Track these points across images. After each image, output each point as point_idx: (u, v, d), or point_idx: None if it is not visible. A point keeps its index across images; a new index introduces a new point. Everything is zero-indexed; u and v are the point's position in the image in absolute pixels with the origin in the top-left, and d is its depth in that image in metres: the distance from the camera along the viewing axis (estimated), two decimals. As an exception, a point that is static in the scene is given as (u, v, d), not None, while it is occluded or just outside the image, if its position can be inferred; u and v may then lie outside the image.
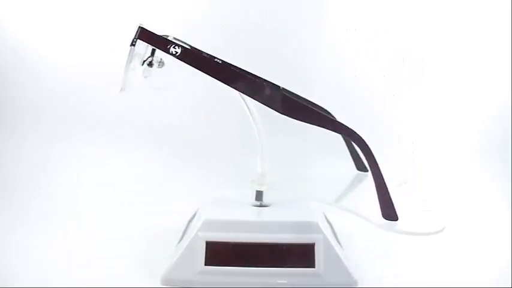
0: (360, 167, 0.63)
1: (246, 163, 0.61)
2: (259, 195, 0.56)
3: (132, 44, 0.51)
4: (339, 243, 0.56)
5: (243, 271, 0.50)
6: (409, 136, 0.94)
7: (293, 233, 0.51)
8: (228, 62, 0.57)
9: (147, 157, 0.92)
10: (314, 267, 0.50)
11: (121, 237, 0.63)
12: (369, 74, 0.94)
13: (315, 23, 0.96)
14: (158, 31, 0.55)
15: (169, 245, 0.57)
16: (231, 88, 0.51)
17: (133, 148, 0.94)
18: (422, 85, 0.95)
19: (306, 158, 0.90)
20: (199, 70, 0.50)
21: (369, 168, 0.50)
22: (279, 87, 0.59)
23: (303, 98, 0.60)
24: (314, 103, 0.60)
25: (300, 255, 0.51)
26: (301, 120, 0.50)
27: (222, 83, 0.51)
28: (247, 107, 0.53)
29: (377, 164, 0.49)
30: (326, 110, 0.60)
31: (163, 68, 0.52)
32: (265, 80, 0.59)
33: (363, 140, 0.49)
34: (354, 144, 0.62)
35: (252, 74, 0.57)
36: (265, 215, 0.55)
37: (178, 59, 0.50)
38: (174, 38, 0.56)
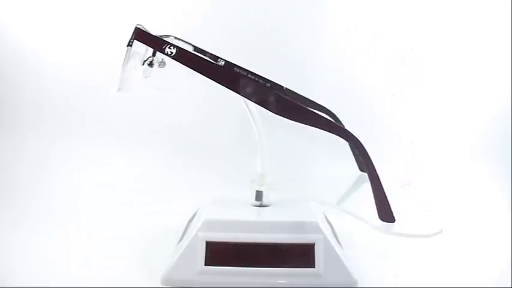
0: (363, 167, 0.63)
1: (246, 163, 0.61)
2: (259, 195, 0.56)
3: (129, 45, 0.51)
4: (339, 243, 0.56)
5: (243, 271, 0.50)
6: (409, 136, 0.94)
7: (293, 233, 0.51)
8: (231, 61, 0.57)
9: (147, 157, 0.93)
10: (314, 267, 0.50)
11: (121, 237, 0.63)
12: (369, 74, 0.94)
13: (315, 23, 0.96)
14: (158, 31, 0.55)
15: (169, 245, 0.57)
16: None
17: (133, 148, 0.94)
18: (422, 85, 0.95)
19: (307, 158, 0.91)
20: (194, 70, 0.50)
21: (365, 169, 0.50)
22: (282, 87, 0.60)
23: (306, 98, 0.60)
24: (318, 104, 0.60)
25: (300, 255, 0.51)
26: (295, 120, 0.49)
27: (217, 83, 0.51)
28: (247, 107, 0.53)
29: (373, 166, 0.49)
30: (330, 111, 0.60)
31: (165, 68, 0.52)
32: (268, 80, 0.59)
33: (359, 141, 0.49)
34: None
35: (253, 73, 0.57)
36: (265, 215, 0.55)
37: (174, 59, 0.50)
38: (175, 38, 0.56)
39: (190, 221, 0.60)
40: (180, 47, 0.51)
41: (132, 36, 0.51)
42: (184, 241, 0.53)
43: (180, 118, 0.96)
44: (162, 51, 0.50)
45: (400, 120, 0.97)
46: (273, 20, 0.94)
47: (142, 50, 0.52)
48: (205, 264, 0.50)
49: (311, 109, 0.52)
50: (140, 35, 0.51)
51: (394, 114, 0.97)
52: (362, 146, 0.49)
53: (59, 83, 0.98)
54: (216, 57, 0.59)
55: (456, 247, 0.63)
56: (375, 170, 0.49)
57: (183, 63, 0.50)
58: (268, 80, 0.60)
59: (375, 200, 0.49)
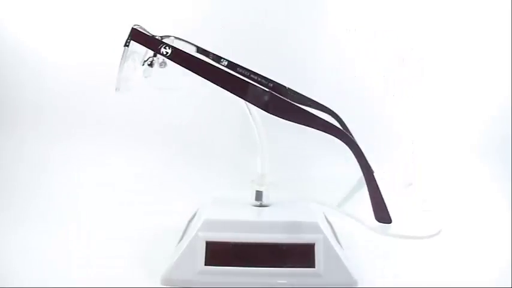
0: None
1: (246, 163, 0.61)
2: (259, 195, 0.56)
3: (126, 45, 0.51)
4: (339, 243, 0.56)
5: (243, 271, 0.50)
6: (409, 136, 0.94)
7: (293, 233, 0.51)
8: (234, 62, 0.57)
9: (147, 157, 0.93)
10: (314, 267, 0.50)
11: (121, 237, 0.63)
12: (369, 74, 0.94)
13: (315, 23, 0.96)
14: (159, 31, 0.55)
15: (169, 245, 0.57)
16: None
17: (133, 148, 0.94)
18: (422, 85, 0.95)
19: (307, 158, 0.91)
20: (189, 70, 0.50)
21: (361, 170, 0.49)
22: (285, 87, 0.60)
23: (309, 99, 0.60)
24: (321, 104, 0.60)
25: (300, 255, 0.51)
26: (290, 120, 0.49)
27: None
28: (247, 107, 0.53)
29: (369, 167, 0.49)
30: (333, 112, 0.60)
31: (166, 68, 0.52)
32: (271, 80, 0.59)
33: (354, 141, 0.49)
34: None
35: (256, 73, 0.57)
36: (265, 215, 0.55)
37: (169, 59, 0.50)
38: (176, 38, 0.56)
39: (190, 221, 0.60)
40: (175, 47, 0.50)
41: (128, 36, 0.51)
42: (184, 241, 0.53)
43: (180, 118, 0.96)
44: (158, 52, 0.51)
45: (400, 120, 0.97)
46: (273, 20, 0.94)
47: (143, 50, 0.52)
48: (205, 264, 0.50)
49: (306, 109, 0.51)
50: (136, 35, 0.51)
51: (394, 114, 0.97)
52: (357, 146, 0.49)
53: (59, 83, 0.98)
54: (219, 58, 0.59)
55: (456, 247, 0.63)
56: (371, 170, 0.49)
57: (178, 63, 0.50)
58: (271, 80, 0.60)
59: (371, 201, 0.49)
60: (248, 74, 0.59)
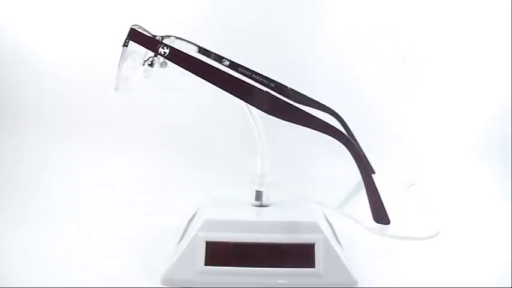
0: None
1: (246, 163, 0.61)
2: (259, 195, 0.56)
3: (125, 45, 0.51)
4: (339, 243, 0.56)
5: (243, 271, 0.50)
6: (409, 136, 0.94)
7: (293, 233, 0.51)
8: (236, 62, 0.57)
9: (147, 157, 0.93)
10: (314, 267, 0.50)
11: (121, 237, 0.63)
12: (369, 74, 0.95)
13: (315, 23, 0.96)
14: (159, 31, 0.55)
15: (169, 245, 0.57)
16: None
17: (133, 148, 0.94)
18: (422, 85, 0.95)
19: (307, 158, 0.91)
20: (187, 70, 0.50)
21: (359, 170, 0.49)
22: (287, 87, 0.60)
23: (311, 99, 0.60)
24: (323, 104, 0.60)
25: (300, 255, 0.51)
26: (287, 120, 0.48)
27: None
28: (248, 107, 0.53)
29: (367, 167, 0.49)
30: (335, 112, 0.60)
31: (167, 68, 0.53)
32: (273, 80, 0.59)
33: (352, 142, 0.49)
34: (358, 146, 0.62)
35: (258, 73, 0.57)
36: (265, 215, 0.55)
37: (167, 59, 0.50)
38: (176, 38, 0.56)
39: (190, 221, 0.60)
40: (173, 47, 0.50)
41: (127, 36, 0.51)
42: (184, 241, 0.53)
43: (180, 118, 0.96)
44: (156, 51, 0.51)
45: (400, 120, 0.97)
46: (273, 20, 0.94)
47: (143, 50, 0.52)
48: (205, 264, 0.50)
49: (303, 109, 0.50)
50: (135, 35, 0.51)
51: (394, 114, 0.97)
52: (355, 147, 0.49)
53: (59, 83, 0.98)
54: (221, 58, 0.59)
55: (456, 247, 0.63)
56: (368, 171, 0.49)
57: (176, 63, 0.50)
58: (273, 80, 0.60)
59: (369, 201, 0.49)
60: (250, 74, 0.59)
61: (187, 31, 0.59)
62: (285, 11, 0.95)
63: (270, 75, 0.60)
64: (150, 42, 0.51)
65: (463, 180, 0.90)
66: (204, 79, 0.49)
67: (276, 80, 0.59)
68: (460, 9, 0.95)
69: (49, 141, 0.94)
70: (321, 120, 0.49)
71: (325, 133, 0.48)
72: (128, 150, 0.93)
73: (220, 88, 0.49)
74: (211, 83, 0.49)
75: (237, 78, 0.50)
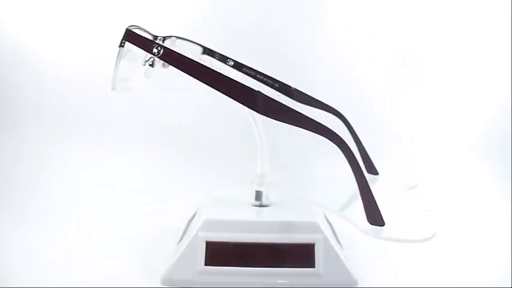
0: (370, 169, 0.63)
1: (246, 163, 0.61)
2: (259, 195, 0.56)
3: (121, 45, 0.51)
4: (339, 243, 0.56)
5: (243, 271, 0.50)
6: (409, 136, 0.94)
7: (293, 233, 0.51)
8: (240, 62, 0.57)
9: (147, 157, 0.93)
10: (314, 267, 0.50)
11: (121, 237, 0.63)
12: (369, 74, 0.95)
13: (315, 23, 0.96)
14: (159, 31, 0.55)
15: (169, 245, 0.57)
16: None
17: (133, 148, 0.94)
18: (422, 85, 0.95)
19: (307, 159, 0.91)
20: (180, 70, 0.50)
21: (353, 172, 0.49)
22: (291, 87, 0.60)
23: (314, 99, 0.60)
24: (326, 104, 0.60)
25: (300, 255, 0.51)
26: (280, 121, 0.48)
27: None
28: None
29: (360, 169, 0.48)
30: (338, 112, 0.60)
31: (169, 68, 0.52)
32: (276, 80, 0.59)
33: (345, 143, 0.48)
34: (361, 146, 0.62)
35: (262, 73, 0.57)
36: (265, 215, 0.55)
37: (160, 59, 0.50)
38: (177, 38, 0.56)
39: (190, 221, 0.60)
40: (165, 47, 0.50)
41: (123, 37, 0.51)
42: (184, 241, 0.53)
43: (180, 118, 0.96)
44: (151, 52, 0.50)
45: (400, 120, 0.97)
46: (273, 20, 0.94)
47: (142, 50, 0.52)
48: (205, 264, 0.50)
49: (296, 110, 0.49)
50: (130, 36, 0.51)
51: (394, 114, 0.97)
52: (348, 148, 0.48)
53: (59, 83, 0.98)
54: (225, 58, 0.59)
55: (456, 247, 0.63)
56: (362, 172, 0.49)
57: (169, 63, 0.50)
58: (277, 80, 0.60)
59: (363, 203, 0.49)
60: (254, 74, 0.59)
61: (187, 31, 0.59)
62: (285, 11, 0.95)
63: (270, 75, 0.60)
64: (145, 43, 0.51)
65: (463, 180, 0.90)
66: (196, 78, 0.49)
67: (280, 80, 0.59)
68: (460, 9, 0.95)
69: (49, 141, 0.94)
70: (314, 120, 0.48)
71: (319, 134, 0.48)
72: (128, 150, 0.93)
73: (211, 87, 0.49)
74: (203, 82, 0.49)
75: (228, 77, 0.49)
